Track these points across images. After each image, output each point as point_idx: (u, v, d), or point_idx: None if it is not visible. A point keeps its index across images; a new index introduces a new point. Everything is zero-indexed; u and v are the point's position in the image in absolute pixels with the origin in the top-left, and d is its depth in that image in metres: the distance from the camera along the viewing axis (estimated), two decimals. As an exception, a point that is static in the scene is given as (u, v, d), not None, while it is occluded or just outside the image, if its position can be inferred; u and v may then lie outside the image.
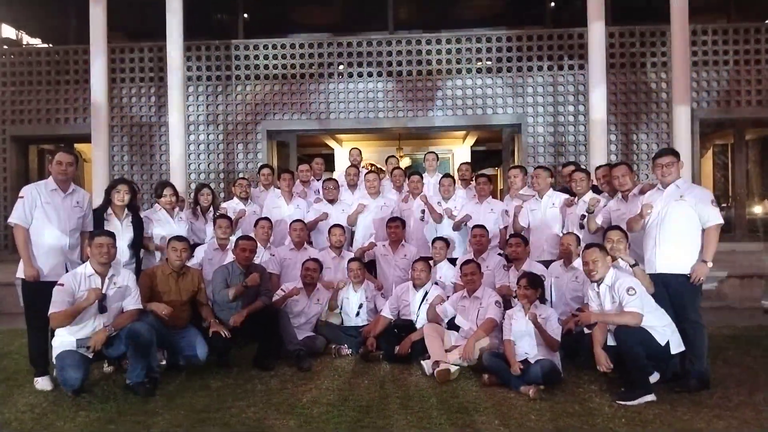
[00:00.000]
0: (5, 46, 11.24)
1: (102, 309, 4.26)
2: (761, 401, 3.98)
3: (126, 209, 5.06)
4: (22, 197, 4.52)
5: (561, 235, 5.59)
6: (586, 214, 5.30)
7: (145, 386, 4.25)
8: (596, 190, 5.79)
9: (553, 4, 11.36)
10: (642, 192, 4.85)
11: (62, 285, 4.19)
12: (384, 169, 7.98)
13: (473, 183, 6.82)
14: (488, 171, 14.98)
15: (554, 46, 10.23)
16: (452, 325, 5.25)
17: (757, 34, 10.06)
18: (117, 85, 10.43)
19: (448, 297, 5.41)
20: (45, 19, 12.08)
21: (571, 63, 10.20)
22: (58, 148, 4.56)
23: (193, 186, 9.03)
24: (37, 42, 12.34)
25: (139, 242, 5.17)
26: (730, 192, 11.70)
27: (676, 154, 4.50)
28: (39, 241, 4.50)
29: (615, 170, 5.14)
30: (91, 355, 4.26)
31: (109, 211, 4.99)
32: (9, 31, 11.89)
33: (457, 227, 6.31)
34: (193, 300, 5.01)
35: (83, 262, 4.48)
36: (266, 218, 6.19)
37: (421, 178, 6.61)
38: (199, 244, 6.01)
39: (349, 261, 5.84)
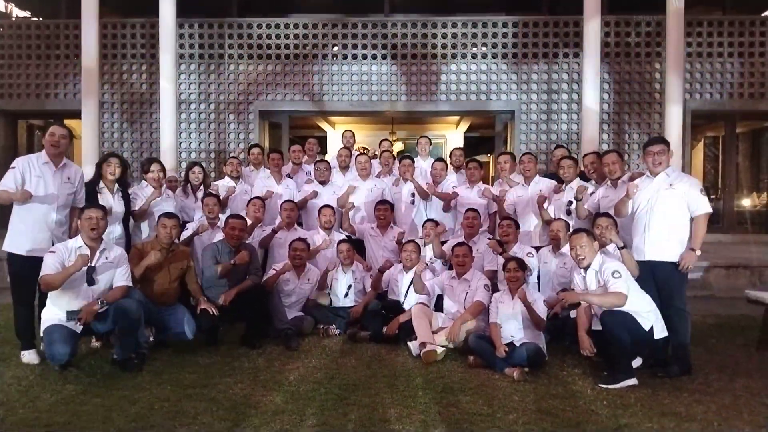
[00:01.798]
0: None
1: (90, 281, 4.25)
2: (740, 388, 4.04)
3: (116, 184, 5.04)
4: (13, 168, 4.48)
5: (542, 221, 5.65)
6: (574, 201, 5.34)
7: (132, 362, 4.26)
8: (584, 177, 5.83)
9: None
10: (631, 179, 4.88)
11: (53, 252, 4.20)
12: (376, 152, 7.97)
13: (465, 168, 6.84)
14: (482, 157, 14.98)
15: (550, 34, 10.23)
16: (439, 307, 5.29)
17: (752, 27, 10.10)
18: (108, 60, 10.33)
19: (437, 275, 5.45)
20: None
21: (567, 51, 10.20)
22: (47, 123, 4.53)
23: (184, 164, 8.99)
24: (27, 15, 12.15)
25: (129, 217, 5.17)
26: (719, 184, 11.79)
27: (667, 143, 4.53)
28: (26, 215, 4.48)
29: (605, 157, 5.18)
30: (79, 330, 4.26)
31: (102, 184, 4.98)
32: (-1, 4, 11.71)
33: (446, 208, 6.33)
34: (182, 277, 5.01)
35: (70, 239, 4.47)
36: (258, 197, 6.18)
37: (413, 161, 6.61)
38: (188, 222, 6.00)
39: (339, 242, 5.86)
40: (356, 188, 6.41)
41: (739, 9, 10.73)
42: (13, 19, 11.52)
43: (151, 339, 4.84)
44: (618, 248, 4.46)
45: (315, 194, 6.52)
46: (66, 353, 4.11)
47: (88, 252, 4.27)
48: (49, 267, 4.13)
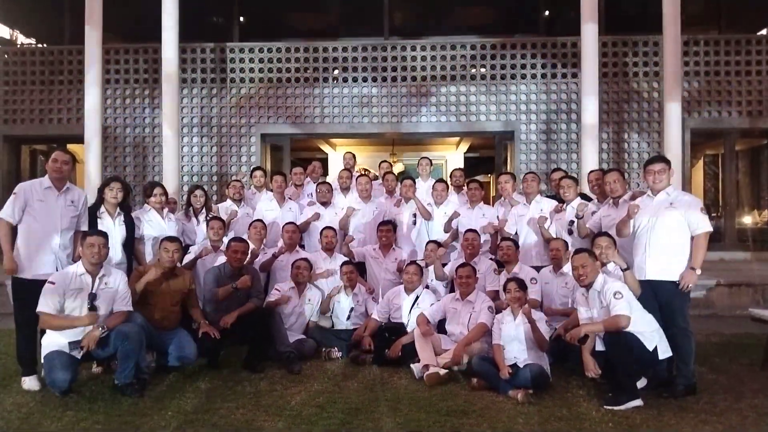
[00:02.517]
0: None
1: (92, 308, 4.25)
2: (747, 407, 4.01)
3: (118, 208, 5.06)
4: (15, 194, 4.50)
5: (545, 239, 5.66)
6: (576, 219, 5.35)
7: (133, 387, 4.23)
8: (585, 197, 5.85)
9: (547, 12, 11.46)
10: (632, 198, 4.90)
11: (53, 283, 4.18)
12: (377, 174, 8.00)
13: (466, 189, 6.86)
14: (481, 177, 15.02)
15: (548, 55, 10.32)
16: (442, 329, 5.27)
17: (748, 45, 10.19)
18: (111, 86, 10.44)
19: (438, 300, 5.43)
20: (40, 19, 12.08)
21: (564, 71, 10.28)
22: (51, 149, 4.54)
23: (186, 188, 9.03)
24: (31, 42, 12.31)
25: (131, 242, 5.18)
26: (720, 201, 11.79)
27: (667, 162, 4.55)
28: (30, 239, 4.47)
29: (607, 176, 5.19)
30: (80, 356, 4.25)
31: (102, 209, 5.00)
32: (3, 31, 11.86)
33: (447, 229, 6.34)
34: (184, 301, 5.00)
35: (74, 263, 4.47)
36: (260, 220, 6.20)
37: (414, 182, 6.64)
38: (190, 245, 6.01)
39: (342, 264, 5.85)
40: (355, 210, 6.42)
41: (736, 28, 10.84)
42: (18, 45, 11.67)
43: (153, 364, 4.82)
44: (621, 270, 4.45)
45: (317, 216, 6.53)
46: (66, 380, 4.09)
47: (90, 281, 4.28)
48: (47, 305, 4.14)
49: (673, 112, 8.94)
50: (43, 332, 4.37)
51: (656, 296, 4.36)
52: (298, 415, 3.87)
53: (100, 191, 5.12)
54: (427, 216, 6.40)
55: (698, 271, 4.29)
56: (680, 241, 4.34)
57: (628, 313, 4.03)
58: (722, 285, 7.52)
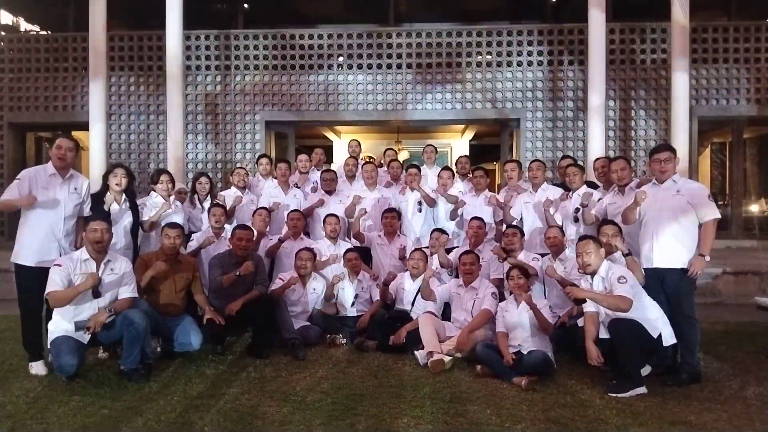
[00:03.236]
0: (3, 33, 11.20)
1: (96, 294, 4.27)
2: (751, 395, 4.00)
3: (123, 194, 5.07)
4: (18, 179, 4.50)
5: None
6: (581, 207, 5.33)
7: (139, 372, 4.26)
8: (591, 185, 5.82)
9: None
10: (639, 186, 4.87)
11: (59, 265, 4.20)
12: (382, 161, 7.99)
13: (471, 176, 6.84)
14: (487, 165, 14.98)
15: (554, 42, 10.25)
16: (446, 315, 5.28)
17: (758, 32, 10.09)
18: (116, 73, 10.43)
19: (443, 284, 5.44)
20: (44, 6, 12.05)
21: (571, 59, 10.21)
22: (55, 136, 4.53)
23: (190, 175, 9.03)
24: (35, 29, 12.29)
25: (137, 227, 5.19)
26: (727, 190, 11.73)
27: (673, 150, 4.53)
28: (34, 226, 4.49)
29: (614, 164, 5.16)
30: (86, 341, 4.27)
31: (108, 195, 5.00)
32: (7, 18, 11.84)
33: (453, 216, 6.33)
34: (189, 288, 5.01)
35: (76, 250, 4.49)
36: (264, 207, 6.20)
37: (419, 170, 6.62)
38: (194, 232, 6.02)
39: (346, 251, 5.85)
40: (362, 199, 6.42)
41: (745, 15, 10.72)
42: (22, 32, 11.65)
43: (158, 349, 4.84)
44: (623, 255, 4.44)
45: (321, 202, 6.53)
46: (74, 364, 4.11)
47: (94, 267, 4.29)
48: (55, 283, 4.13)
49: (681, 99, 8.87)
50: (48, 318, 4.39)
51: (663, 284, 4.34)
52: (303, 401, 3.88)
53: (105, 178, 5.13)
54: (432, 203, 6.39)
55: (707, 258, 4.27)
56: (687, 228, 4.33)
57: (631, 296, 4.01)
58: (728, 273, 7.50)
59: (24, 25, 12.15)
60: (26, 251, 4.47)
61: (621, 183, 5.03)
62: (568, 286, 4.35)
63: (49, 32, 11.62)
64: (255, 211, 6.13)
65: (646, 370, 4.22)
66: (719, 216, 4.35)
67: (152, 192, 5.70)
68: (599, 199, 5.29)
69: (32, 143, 11.50)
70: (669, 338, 4.13)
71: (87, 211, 4.76)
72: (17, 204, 4.45)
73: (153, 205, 5.53)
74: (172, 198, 5.76)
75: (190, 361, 4.75)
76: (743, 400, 3.91)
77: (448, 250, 5.94)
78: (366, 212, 6.30)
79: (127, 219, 5.09)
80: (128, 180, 5.10)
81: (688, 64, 9.00)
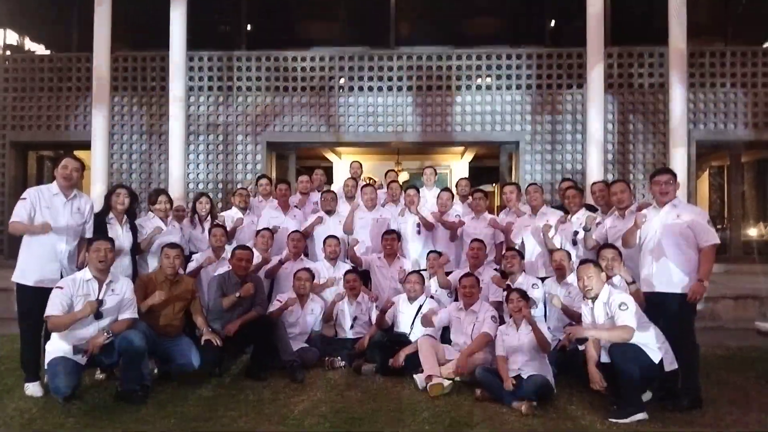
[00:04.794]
0: (8, 52, 11.30)
1: (98, 315, 4.26)
2: (753, 422, 3.98)
3: (125, 215, 5.08)
4: (24, 199, 4.51)
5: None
6: (583, 231, 5.34)
7: (136, 394, 4.24)
8: (590, 208, 5.84)
9: (553, 23, 11.48)
10: (639, 209, 4.89)
11: (61, 288, 4.19)
12: (383, 183, 8.02)
13: (471, 198, 6.86)
14: (487, 187, 15.01)
15: (553, 65, 10.34)
16: (446, 339, 5.25)
17: (754, 57, 10.18)
18: (119, 93, 10.49)
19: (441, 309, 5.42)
20: (48, 26, 12.16)
21: (570, 82, 10.29)
22: (57, 155, 4.58)
23: (191, 195, 9.05)
24: (39, 48, 12.40)
25: (135, 248, 5.20)
26: (725, 213, 11.75)
27: (674, 174, 4.56)
28: (36, 246, 4.48)
29: (614, 187, 5.18)
30: (84, 362, 4.25)
31: (111, 215, 5.00)
32: (12, 37, 11.95)
33: (453, 238, 6.34)
34: (187, 308, 5.00)
35: (79, 270, 4.48)
36: (267, 229, 6.21)
37: (418, 192, 6.64)
38: (194, 253, 6.02)
39: (346, 273, 5.85)
40: (359, 205, 6.43)
41: (741, 40, 10.83)
42: (26, 52, 11.75)
43: (155, 371, 4.81)
44: (627, 283, 4.44)
45: (320, 220, 6.54)
46: (69, 386, 4.09)
47: (96, 288, 4.29)
48: (55, 306, 4.13)
49: (679, 123, 8.92)
50: (47, 338, 4.37)
51: (663, 309, 4.34)
52: (301, 425, 3.86)
53: (107, 198, 5.14)
54: (430, 227, 6.40)
55: (706, 284, 4.27)
56: (687, 253, 4.33)
57: (633, 325, 4.01)
58: (728, 297, 7.48)
59: (28, 45, 12.25)
60: (27, 271, 4.46)
61: (621, 206, 5.05)
62: (569, 327, 4.34)
63: (53, 52, 11.72)
64: (257, 233, 6.14)
65: (647, 396, 4.21)
66: (719, 241, 4.36)
67: (149, 213, 5.71)
68: (598, 223, 5.30)
69: (34, 162, 11.53)
70: (670, 364, 4.12)
71: (89, 231, 4.75)
72: (31, 231, 4.45)
73: (150, 226, 5.53)
74: (169, 218, 5.77)
75: (187, 382, 4.71)
76: (744, 426, 3.90)
77: (447, 273, 5.93)
78: (358, 242, 6.29)
79: (128, 240, 5.09)
80: (130, 200, 5.11)
81: (685, 88, 9.06)
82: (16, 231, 4.48)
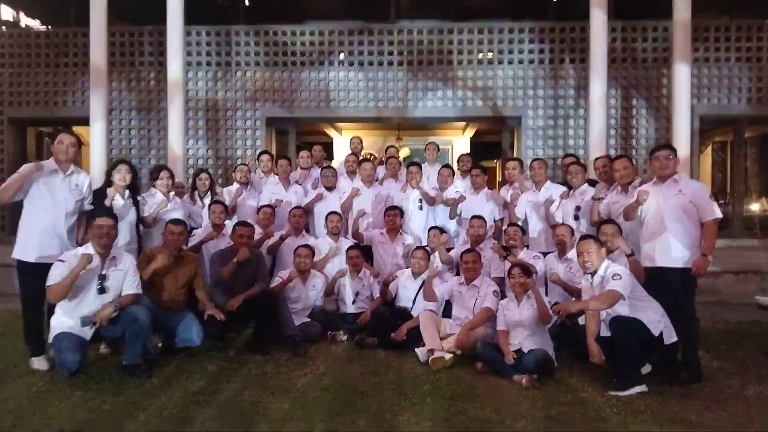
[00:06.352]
0: (4, 28, 11.18)
1: (101, 290, 4.28)
2: (752, 395, 4.01)
3: (127, 190, 5.07)
4: (19, 172, 4.44)
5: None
6: (593, 200, 5.30)
7: (140, 368, 4.27)
8: (592, 183, 5.82)
9: (555, -3, 11.35)
10: (641, 185, 4.87)
11: (62, 261, 4.20)
12: (383, 158, 7.99)
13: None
14: (488, 163, 14.98)
15: (556, 39, 10.23)
16: (448, 313, 5.28)
17: (759, 32, 10.07)
18: (117, 68, 10.40)
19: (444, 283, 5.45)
20: (44, 1, 12.02)
21: (573, 57, 10.20)
22: (56, 131, 4.54)
23: (191, 171, 9.03)
24: (36, 24, 12.27)
25: (139, 224, 5.20)
26: (727, 189, 11.74)
27: (674, 150, 4.55)
28: (35, 221, 4.47)
29: (616, 163, 5.16)
30: (89, 337, 4.28)
31: (112, 191, 4.98)
32: (8, 13, 11.82)
33: (453, 215, 6.34)
34: (190, 283, 5.01)
35: (78, 246, 4.49)
36: (269, 205, 6.21)
37: (420, 168, 6.62)
38: (195, 228, 6.03)
39: (348, 249, 5.85)
40: (359, 191, 6.44)
41: (747, 14, 10.70)
42: (22, 27, 11.63)
43: (159, 345, 4.85)
44: (626, 256, 4.44)
45: (321, 197, 6.54)
46: (76, 361, 4.13)
47: (99, 262, 4.29)
48: (55, 278, 4.14)
49: (682, 98, 8.86)
50: (50, 313, 4.39)
51: (664, 283, 4.34)
52: (304, 398, 3.89)
53: (108, 174, 5.12)
54: (432, 202, 6.39)
55: (710, 258, 4.28)
56: (689, 228, 4.33)
57: (621, 291, 4.00)
58: (729, 272, 7.50)
59: (24, 20, 12.12)
60: (27, 247, 4.46)
61: (624, 182, 5.03)
62: (556, 306, 4.35)
63: (50, 27, 11.59)
64: (259, 209, 6.14)
65: (646, 369, 4.24)
66: (721, 216, 4.36)
67: (152, 188, 5.70)
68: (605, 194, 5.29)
69: (32, 138, 11.48)
70: (669, 337, 4.14)
71: (87, 207, 4.74)
72: (25, 174, 4.36)
73: (153, 201, 5.52)
74: (171, 194, 5.76)
75: (191, 356, 4.75)
76: (743, 400, 3.92)
77: (448, 249, 5.94)
78: (365, 213, 6.30)
79: (131, 215, 5.08)
80: (132, 176, 5.09)
81: (689, 62, 8.97)
82: (6, 191, 4.37)
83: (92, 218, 4.42)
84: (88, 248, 4.32)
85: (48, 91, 10.59)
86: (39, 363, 4.45)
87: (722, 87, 10.08)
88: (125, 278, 4.44)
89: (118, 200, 4.99)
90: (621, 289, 4.02)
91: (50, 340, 4.31)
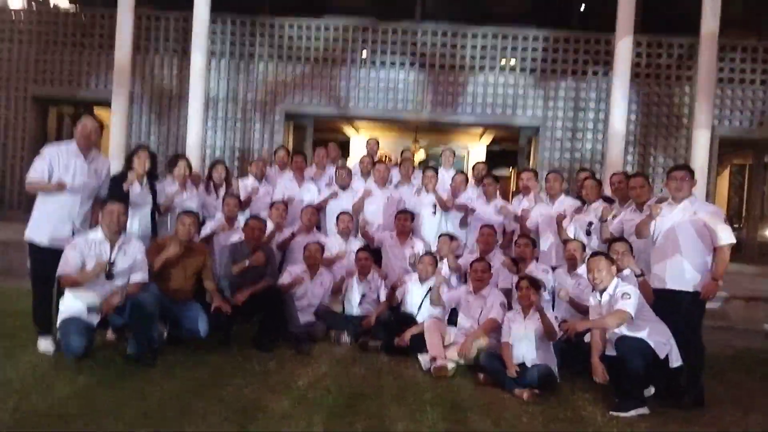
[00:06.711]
0: (33, 5, 11.27)
1: (110, 275, 4.32)
2: (753, 423, 3.98)
3: (145, 177, 5.11)
4: (40, 155, 4.51)
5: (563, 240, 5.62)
6: (596, 222, 5.30)
7: (145, 356, 4.31)
8: (607, 199, 5.79)
9: (582, 6, 11.26)
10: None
11: (73, 246, 4.25)
12: (398, 161, 8.01)
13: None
14: (502, 171, 14.91)
15: (580, 51, 10.17)
16: (453, 321, 5.28)
17: (786, 54, 9.92)
18: (141, 53, 10.45)
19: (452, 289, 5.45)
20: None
21: (596, 69, 10.14)
22: (78, 112, 4.58)
23: (208, 161, 9.08)
24: (64, 3, 12.37)
25: (156, 209, 5.24)
26: (743, 213, 11.61)
27: (691, 171, 4.49)
28: (49, 205, 4.49)
29: (632, 181, 5.12)
30: (95, 322, 4.33)
31: (131, 176, 5.02)
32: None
33: (463, 224, 6.33)
34: (199, 274, 5.05)
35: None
36: (282, 201, 6.23)
37: (436, 173, 6.61)
38: (208, 219, 6.07)
39: (358, 250, 5.86)
40: (372, 193, 6.45)
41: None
42: (51, 6, 11.73)
43: (165, 334, 4.88)
44: (636, 276, 4.42)
45: (335, 195, 6.56)
46: (82, 346, 4.16)
47: (108, 249, 4.34)
48: (67, 263, 4.19)
49: (703, 118, 8.75)
50: (60, 294, 4.44)
51: (672, 305, 4.31)
52: (304, 397, 3.91)
53: (128, 160, 5.15)
54: (445, 207, 6.39)
55: (720, 283, 4.24)
56: (701, 251, 4.29)
57: (630, 311, 3.99)
58: (739, 298, 7.42)
59: (53, 0, 12.22)
60: (40, 230, 4.49)
61: (639, 201, 5.00)
62: (564, 324, 4.34)
63: (77, 7, 11.68)
64: (272, 205, 6.16)
65: (649, 391, 4.21)
66: (734, 241, 4.31)
67: (168, 177, 5.74)
68: (614, 216, 5.26)
69: (54, 117, 11.59)
70: (675, 360, 4.11)
71: (104, 193, 4.78)
72: (47, 189, 4.45)
73: (169, 190, 5.56)
74: (188, 183, 5.80)
75: (196, 347, 4.78)
76: (745, 426, 3.90)
77: (456, 257, 5.93)
78: (368, 224, 6.28)
79: (148, 201, 5.12)
80: (151, 162, 5.12)
81: (713, 82, 8.88)
82: (32, 188, 4.50)
83: (104, 203, 4.46)
84: (98, 233, 4.35)
85: (72, 71, 10.68)
86: (45, 345, 4.49)
87: (745, 109, 9.97)
88: (134, 265, 4.47)
89: (135, 187, 5.00)
90: (630, 308, 4.00)
91: (58, 323, 4.36)
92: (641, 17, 9.75)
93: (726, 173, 12.37)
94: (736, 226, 11.30)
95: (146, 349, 4.35)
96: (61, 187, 4.43)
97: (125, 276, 4.44)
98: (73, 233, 4.49)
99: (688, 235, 4.31)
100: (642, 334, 4.05)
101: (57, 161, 4.50)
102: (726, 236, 4.26)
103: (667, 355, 4.08)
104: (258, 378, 4.23)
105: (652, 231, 4.50)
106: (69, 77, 10.68)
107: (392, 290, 5.56)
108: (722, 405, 4.30)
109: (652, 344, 4.05)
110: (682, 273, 4.30)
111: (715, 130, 9.48)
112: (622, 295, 4.09)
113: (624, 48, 8.86)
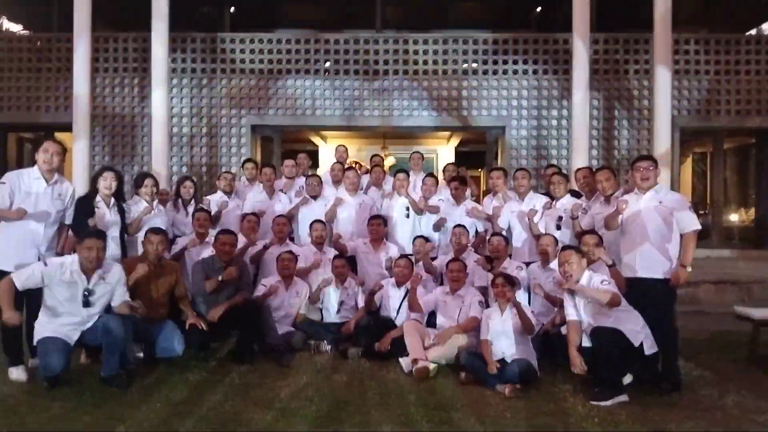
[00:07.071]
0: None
1: (86, 303, 4.23)
2: (731, 404, 4.06)
3: (112, 197, 5.02)
4: (3, 183, 4.41)
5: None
6: (571, 219, 5.36)
7: (120, 378, 4.21)
8: (574, 194, 5.88)
9: (539, 9, 11.47)
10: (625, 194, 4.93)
11: (46, 265, 4.17)
12: (368, 167, 8.01)
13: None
14: (472, 172, 15.03)
15: (539, 51, 10.34)
16: (432, 323, 5.29)
17: (738, 45, 10.25)
18: (100, 74, 10.29)
19: (428, 293, 5.46)
20: (27, 5, 11.89)
21: (556, 68, 10.31)
22: (38, 137, 4.48)
23: (175, 178, 8.97)
24: (18, 28, 12.14)
25: (124, 230, 5.17)
26: (707, 199, 11.91)
27: (654, 161, 4.60)
28: (14, 231, 4.39)
29: (598, 174, 5.21)
30: (73, 341, 4.24)
31: (98, 198, 4.93)
32: (-10, 17, 11.70)
33: (437, 228, 6.36)
34: (172, 292, 4.97)
35: (58, 256, 4.44)
36: (254, 213, 6.18)
37: (408, 176, 6.64)
38: (178, 237, 5.99)
39: (334, 258, 5.84)
40: (343, 200, 6.44)
41: (725, 28, 10.90)
42: (4, 31, 11.50)
43: (140, 355, 4.79)
44: (607, 266, 4.49)
45: (306, 200, 6.54)
46: (60, 364, 4.08)
47: (85, 280, 4.26)
48: (20, 276, 4.13)
49: (663, 110, 8.99)
50: (30, 321, 4.33)
51: (644, 293, 4.39)
52: (287, 408, 3.87)
53: (93, 181, 5.06)
54: (419, 211, 6.41)
55: (689, 269, 4.33)
56: (669, 239, 4.38)
57: (617, 292, 4.07)
58: (708, 282, 7.60)
59: (7, 24, 11.98)
60: (5, 257, 4.37)
61: (606, 194, 5.09)
62: (559, 280, 4.39)
63: (33, 32, 11.47)
64: (243, 217, 6.11)
65: (627, 379, 4.27)
66: (700, 227, 4.42)
67: (135, 196, 5.66)
68: (584, 210, 5.34)
69: (14, 144, 11.33)
70: (650, 347, 4.18)
71: (70, 218, 4.68)
72: (8, 216, 4.36)
73: (137, 209, 5.48)
74: (155, 202, 5.73)
75: (172, 366, 4.70)
76: (722, 409, 3.97)
77: (432, 259, 5.95)
78: (341, 236, 6.26)
79: (117, 223, 5.04)
80: (117, 183, 5.04)
81: (670, 74, 9.13)
82: None
83: (80, 236, 4.36)
84: (75, 262, 4.25)
85: (30, 96, 10.45)
86: (17, 373, 4.36)
87: (702, 99, 10.25)
88: (113, 291, 4.40)
89: (104, 212, 4.92)
90: (616, 290, 4.07)
91: (34, 342, 4.25)
92: (596, 16, 9.99)
93: (689, 162, 12.69)
94: (701, 212, 11.56)
95: (121, 371, 4.25)
96: (21, 213, 4.33)
97: (103, 302, 4.36)
98: (39, 258, 4.40)
99: (655, 223, 4.40)
100: (616, 324, 4.12)
101: (18, 187, 4.41)
102: (692, 223, 4.36)
103: (641, 343, 4.15)
104: (239, 392, 4.18)
105: (620, 221, 4.58)
106: (27, 103, 10.45)
107: (371, 295, 5.55)
108: (699, 388, 4.39)
109: (626, 333, 4.11)
110: (652, 261, 4.39)
111: (674, 120, 9.72)
112: (602, 281, 4.18)
113: (581, 46, 9.08)
